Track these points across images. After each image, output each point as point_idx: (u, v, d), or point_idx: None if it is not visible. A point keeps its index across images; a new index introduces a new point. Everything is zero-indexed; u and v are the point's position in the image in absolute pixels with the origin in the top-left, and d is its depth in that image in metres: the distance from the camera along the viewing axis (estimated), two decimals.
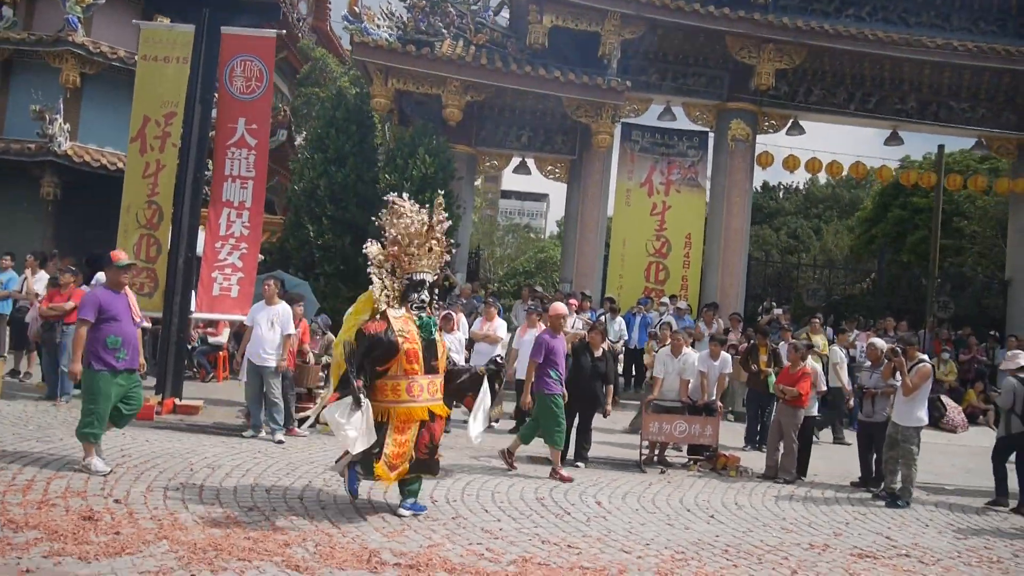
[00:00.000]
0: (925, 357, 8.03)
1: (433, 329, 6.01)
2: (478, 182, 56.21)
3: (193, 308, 10.16)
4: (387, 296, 5.90)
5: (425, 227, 5.94)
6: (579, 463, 8.33)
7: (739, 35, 14.22)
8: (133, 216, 10.03)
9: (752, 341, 11.02)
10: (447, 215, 6.28)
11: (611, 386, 8.59)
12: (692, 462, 8.88)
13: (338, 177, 13.78)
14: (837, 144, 69.79)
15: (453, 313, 10.54)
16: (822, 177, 42.31)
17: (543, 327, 8.85)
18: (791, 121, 15.54)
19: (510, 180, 56.90)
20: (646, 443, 8.69)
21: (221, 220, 10.16)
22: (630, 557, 5.29)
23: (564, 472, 7.65)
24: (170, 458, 7.06)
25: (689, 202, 15.22)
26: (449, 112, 13.81)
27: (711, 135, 15.38)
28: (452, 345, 10.08)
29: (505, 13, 15.95)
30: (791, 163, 15.11)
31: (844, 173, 15.54)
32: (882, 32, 14.48)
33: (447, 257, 6.29)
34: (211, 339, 12.54)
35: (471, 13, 15.19)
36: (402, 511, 5.78)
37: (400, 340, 5.72)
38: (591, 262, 14.52)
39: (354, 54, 13.98)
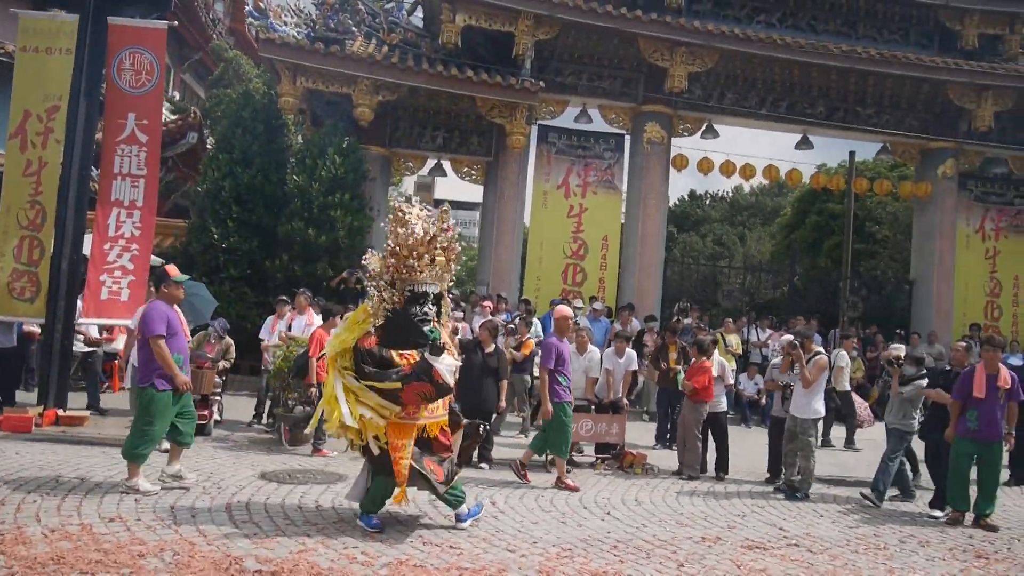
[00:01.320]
0: (821, 350, 8.10)
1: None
2: (409, 190, 55.89)
3: (79, 314, 9.62)
4: (385, 310, 5.61)
5: (428, 237, 5.64)
6: (483, 464, 8.12)
7: (652, 38, 14.33)
8: (14, 217, 9.38)
9: (663, 340, 11.03)
10: (451, 222, 5.94)
11: (504, 382, 8.38)
12: (599, 461, 8.77)
13: (244, 178, 13.32)
14: (754, 148, 71.80)
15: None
16: (746, 185, 43.40)
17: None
18: (705, 124, 15.70)
19: (443, 188, 56.61)
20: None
21: (110, 220, 9.61)
22: (513, 556, 5.10)
23: (570, 481, 7.44)
24: (38, 470, 6.60)
25: (606, 204, 15.21)
26: (360, 112, 13.51)
27: (627, 137, 15.43)
28: None
29: (419, 13, 15.76)
30: (705, 166, 15.27)
31: (757, 176, 15.72)
32: (791, 38, 14.79)
33: (453, 268, 5.93)
34: (106, 346, 11.91)
35: (383, 12, 14.94)
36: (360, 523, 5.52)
37: (396, 355, 5.48)
38: (508, 264, 14.37)
39: (260, 51, 13.56)
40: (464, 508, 5.75)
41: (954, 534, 6.81)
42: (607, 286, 14.96)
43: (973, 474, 7.39)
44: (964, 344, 8.45)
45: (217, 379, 9.38)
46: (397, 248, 5.61)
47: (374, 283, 5.73)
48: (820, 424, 8.98)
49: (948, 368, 8.19)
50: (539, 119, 15.15)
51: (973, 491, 7.32)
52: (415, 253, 5.60)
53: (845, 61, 14.69)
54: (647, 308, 14.13)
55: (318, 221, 12.97)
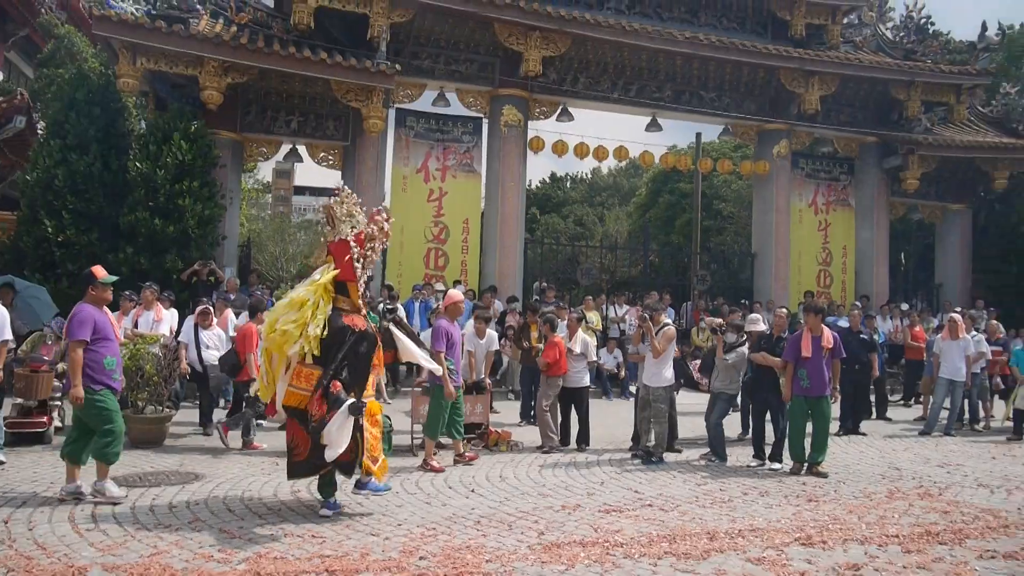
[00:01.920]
0: (669, 321, 8.56)
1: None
2: (267, 177, 53.86)
3: None
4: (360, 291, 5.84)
5: (383, 229, 5.96)
6: None
7: (507, 22, 14.48)
8: None
9: (524, 320, 11.28)
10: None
11: None
12: (464, 440, 8.89)
13: (80, 166, 12.44)
14: (609, 130, 74.32)
15: (212, 308, 9.85)
16: (604, 167, 44.77)
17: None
18: (561, 107, 16.09)
19: (303, 174, 55.06)
20: (417, 425, 8.58)
21: None
22: (377, 539, 5.13)
23: (435, 463, 7.52)
24: None
25: (465, 188, 15.32)
26: (208, 95, 12.90)
27: (485, 121, 15.57)
28: (211, 342, 9.47)
29: None
30: (560, 148, 15.66)
31: (609, 157, 16.29)
32: (638, 24, 15.36)
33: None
34: None
35: None
36: (325, 511, 5.63)
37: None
38: None
39: (95, 29, 12.64)
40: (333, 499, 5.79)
41: (790, 482, 7.42)
42: (469, 269, 15.11)
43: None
44: (784, 311, 9.18)
45: (56, 383, 8.78)
46: (373, 231, 5.86)
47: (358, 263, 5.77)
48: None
49: (770, 333, 8.86)
50: (396, 103, 15.02)
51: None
52: (377, 240, 5.91)
53: (688, 47, 15.42)
54: (509, 289, 14.39)
55: (165, 210, 12.33)
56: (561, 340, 8.93)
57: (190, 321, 9.64)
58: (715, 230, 28.56)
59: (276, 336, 5.53)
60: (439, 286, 13.55)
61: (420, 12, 14.21)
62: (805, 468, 7.92)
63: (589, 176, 48.58)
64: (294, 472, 5.80)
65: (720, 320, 9.01)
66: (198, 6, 13.50)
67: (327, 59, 13.32)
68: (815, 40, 17.09)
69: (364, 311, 5.95)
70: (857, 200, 18.19)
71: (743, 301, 16.68)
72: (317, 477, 5.81)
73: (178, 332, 9.82)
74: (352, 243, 5.72)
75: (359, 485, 5.78)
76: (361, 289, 5.89)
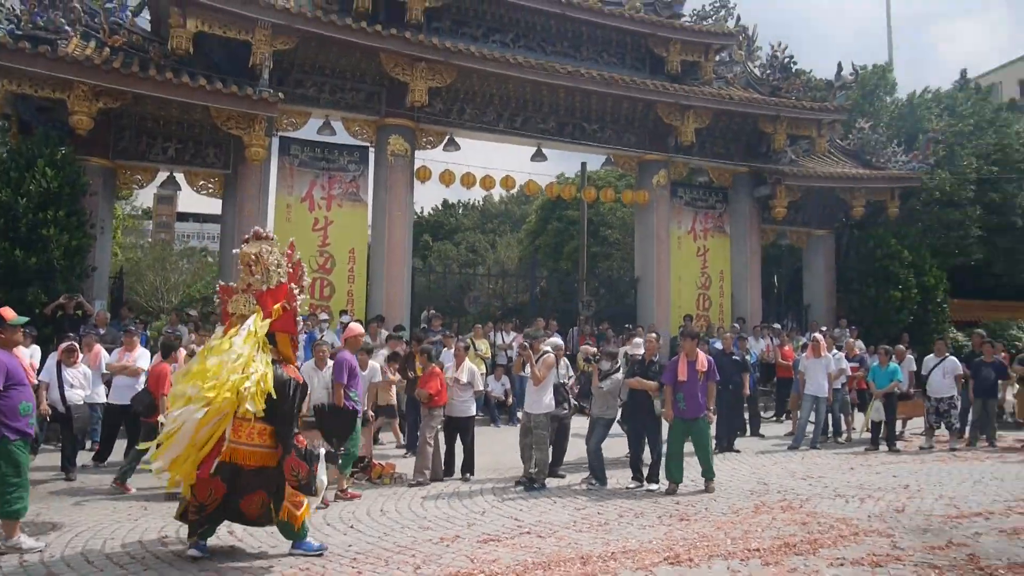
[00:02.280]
0: (548, 349, 8.77)
1: None
2: (148, 203, 51.57)
3: None
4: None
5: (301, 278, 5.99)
6: None
7: (392, 53, 14.55)
8: None
9: (409, 349, 11.27)
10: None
11: None
12: (349, 474, 8.78)
13: None
14: (496, 159, 75.54)
15: (78, 344, 9.36)
16: (496, 194, 45.38)
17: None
18: (447, 137, 16.26)
19: (188, 202, 53.09)
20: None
21: None
22: None
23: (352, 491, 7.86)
24: None
25: (352, 217, 15.19)
26: (78, 120, 12.33)
27: (371, 150, 15.53)
28: (76, 380, 9.01)
29: (148, 15, 14.73)
30: (447, 178, 15.80)
31: (496, 186, 16.54)
32: (522, 57, 15.76)
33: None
34: None
35: (104, 12, 13.76)
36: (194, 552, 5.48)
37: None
38: None
39: None
40: None
41: (665, 502, 7.72)
42: (356, 298, 14.95)
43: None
44: (654, 336, 9.59)
45: None
46: (300, 276, 5.96)
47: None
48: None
49: (642, 358, 9.20)
50: (280, 131, 14.79)
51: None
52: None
53: (570, 81, 15.92)
54: (396, 318, 14.32)
55: (27, 241, 11.65)
56: (440, 371, 8.98)
57: (53, 358, 9.14)
58: (603, 256, 29.39)
59: (230, 397, 5.29)
60: (323, 316, 13.35)
61: (304, 40, 14.10)
62: (677, 487, 8.27)
63: (481, 203, 49.05)
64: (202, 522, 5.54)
65: (594, 349, 9.33)
66: (67, 27, 12.91)
67: (206, 86, 13.00)
68: (690, 76, 17.99)
69: (295, 362, 5.90)
70: (732, 227, 19.15)
71: (627, 325, 17.20)
72: (188, 520, 5.61)
73: (40, 370, 9.28)
74: (295, 293, 5.83)
75: (295, 545, 5.68)
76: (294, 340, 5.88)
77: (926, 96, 24.31)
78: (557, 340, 10.91)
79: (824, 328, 16.51)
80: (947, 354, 12.20)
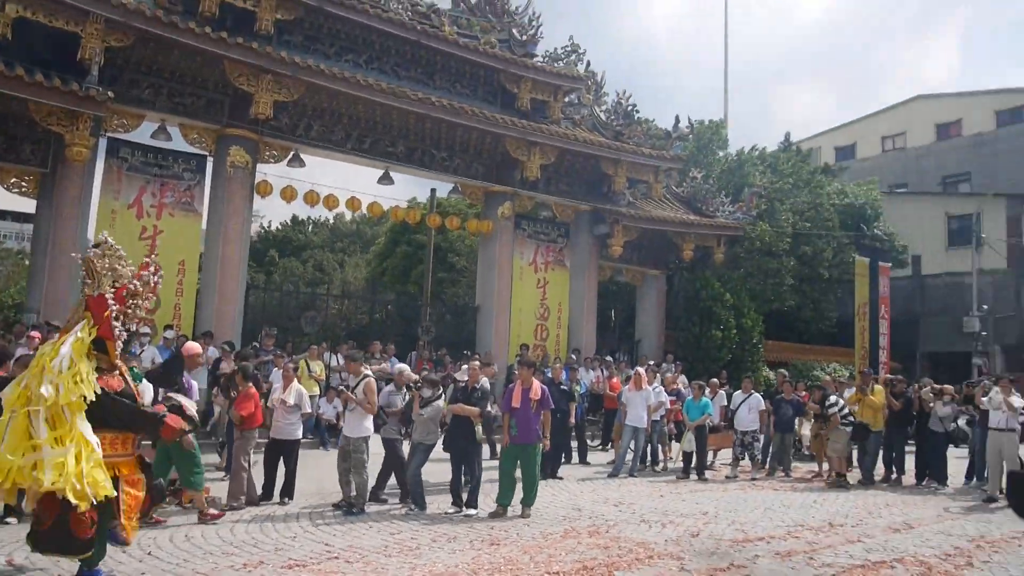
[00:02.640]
0: (369, 372, 8.77)
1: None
2: None
3: None
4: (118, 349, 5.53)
5: (153, 280, 5.75)
6: None
7: (237, 62, 14.11)
8: None
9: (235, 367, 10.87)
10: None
11: None
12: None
13: None
14: (344, 179, 75.12)
15: None
16: (348, 213, 44.70)
17: None
18: (292, 153, 15.90)
19: (3, 199, 48.61)
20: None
21: None
22: None
23: (213, 511, 7.67)
24: None
25: (184, 227, 14.50)
26: None
27: (210, 159, 14.96)
28: None
29: None
30: (289, 194, 15.48)
31: (340, 206, 16.36)
32: (374, 79, 15.75)
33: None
34: None
35: None
36: None
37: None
38: (63, 288, 12.89)
39: None
40: None
41: (480, 527, 7.86)
42: (183, 313, 14.26)
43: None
44: (477, 363, 9.84)
45: None
46: (136, 286, 5.62)
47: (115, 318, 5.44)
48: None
49: (464, 385, 9.41)
50: (109, 131, 13.95)
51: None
52: (144, 292, 5.67)
53: (421, 107, 16.07)
54: (226, 334, 13.78)
55: None
56: (256, 392, 8.77)
57: None
58: (450, 282, 29.62)
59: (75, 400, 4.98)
60: (145, 329, 12.63)
61: (141, 39, 13.44)
62: (506, 512, 8.45)
63: (332, 221, 48.20)
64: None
65: (415, 376, 9.46)
66: None
67: (25, 77, 12.06)
68: (539, 114, 18.64)
69: (123, 370, 5.61)
70: (572, 261, 19.90)
71: (466, 352, 17.42)
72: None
73: None
74: (111, 300, 5.40)
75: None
76: (119, 348, 5.57)
77: (753, 153, 26.47)
78: (402, 366, 10.92)
79: (651, 362, 17.42)
80: (751, 391, 13.22)
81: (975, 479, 12.43)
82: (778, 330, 24.74)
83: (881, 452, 12.74)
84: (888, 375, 15.70)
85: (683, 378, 17.50)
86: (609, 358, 18.58)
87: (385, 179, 17.32)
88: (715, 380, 14.68)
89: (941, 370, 28.70)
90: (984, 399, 11.49)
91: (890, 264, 24.06)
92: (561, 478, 11.64)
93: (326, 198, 16.06)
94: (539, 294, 19.40)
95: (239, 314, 14.77)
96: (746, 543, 7.52)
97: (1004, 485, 10.86)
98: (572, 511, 9.00)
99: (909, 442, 13.18)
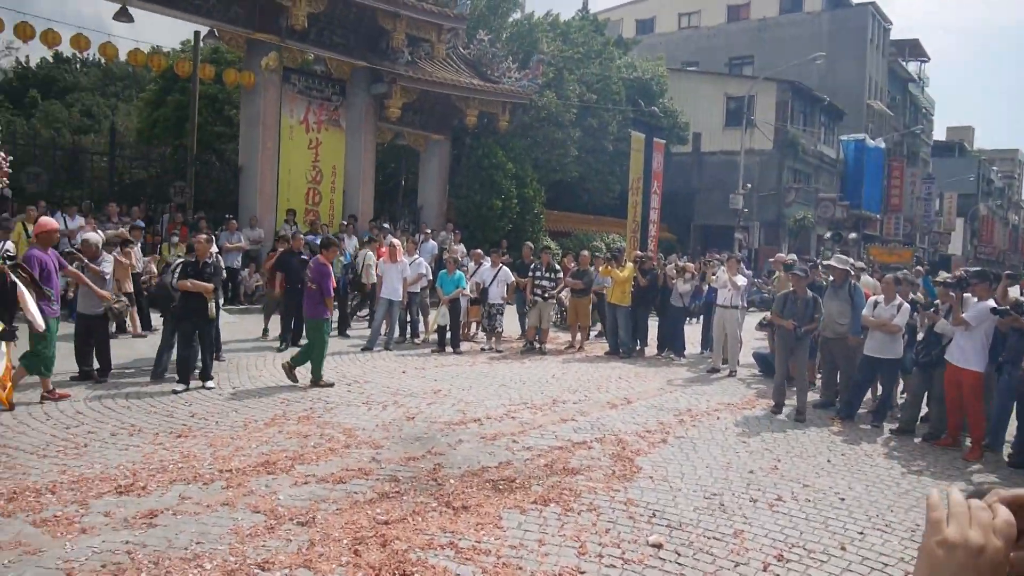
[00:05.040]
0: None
1: None
2: None
3: None
4: None
5: None
6: None
7: None
8: None
9: None
10: None
11: None
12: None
13: None
14: (72, 16, 67.52)
15: None
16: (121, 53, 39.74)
17: None
18: None
19: None
20: None
21: None
22: None
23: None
24: None
25: None
26: None
27: None
28: None
29: None
30: None
31: (63, 44, 14.04)
32: None
33: None
34: None
35: None
36: None
37: None
38: None
39: None
40: None
41: (181, 414, 7.26)
42: None
43: None
44: (204, 237, 9.03)
45: None
46: None
47: None
48: None
49: (195, 260, 8.65)
50: None
51: None
52: None
53: None
54: None
55: None
56: None
57: None
58: (229, 137, 27.25)
59: None
60: None
61: None
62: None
63: (103, 61, 42.96)
64: None
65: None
66: None
67: None
68: None
69: None
70: (348, 122, 18.74)
71: (228, 216, 16.19)
72: None
73: None
74: None
75: None
76: None
77: (545, 20, 25.84)
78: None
79: (431, 231, 17.07)
80: (500, 265, 13.23)
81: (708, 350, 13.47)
82: (562, 201, 25.24)
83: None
84: (637, 252, 16.38)
85: (461, 248, 17.40)
86: (386, 225, 18.03)
87: (122, 15, 15.00)
88: (478, 250, 14.59)
89: (711, 241, 31.04)
90: (713, 278, 12.22)
91: (664, 141, 24.92)
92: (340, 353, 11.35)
93: (44, 33, 13.68)
94: (311, 155, 18.21)
95: None
96: (459, 425, 7.51)
97: (727, 356, 11.84)
98: (297, 392, 8.61)
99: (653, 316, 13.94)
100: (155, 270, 12.40)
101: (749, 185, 28.62)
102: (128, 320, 11.62)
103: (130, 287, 11.40)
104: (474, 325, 13.98)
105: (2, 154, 5.55)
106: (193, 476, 5.48)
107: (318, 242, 14.78)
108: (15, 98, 39.32)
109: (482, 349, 12.91)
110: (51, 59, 42.33)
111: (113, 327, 10.21)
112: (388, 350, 12.17)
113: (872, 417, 8.96)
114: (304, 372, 9.14)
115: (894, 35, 44.52)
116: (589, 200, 26.60)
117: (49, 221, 7.94)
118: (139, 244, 12.67)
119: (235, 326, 12.92)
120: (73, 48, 14.29)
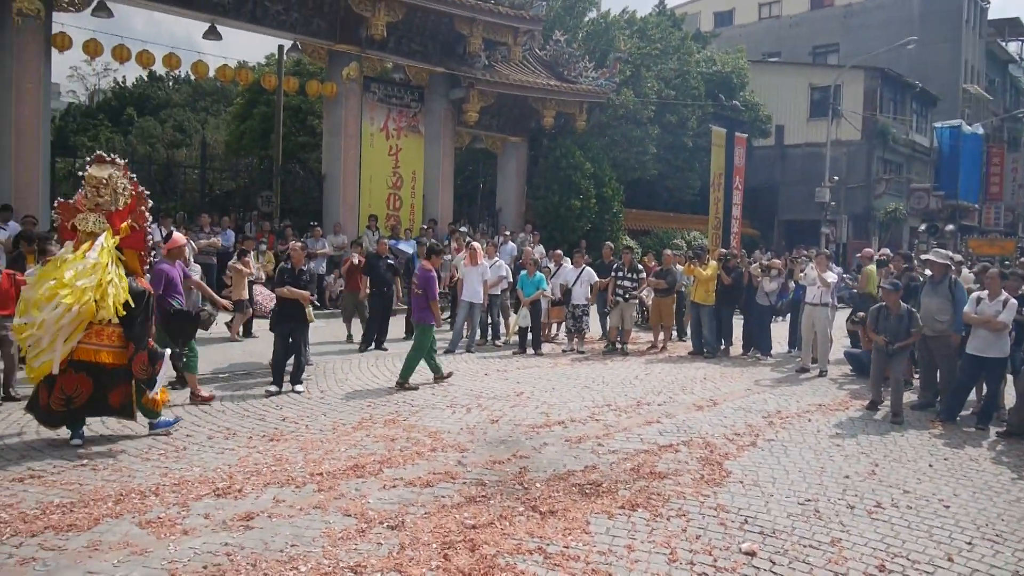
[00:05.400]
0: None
1: None
2: None
3: None
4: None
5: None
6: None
7: None
8: None
9: (17, 249, 9.81)
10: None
11: None
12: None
13: None
14: (158, 34, 70.00)
15: None
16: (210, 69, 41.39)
17: None
18: (97, 1, 14.01)
19: None
20: None
21: None
22: None
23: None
24: None
25: None
26: None
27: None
28: None
29: None
30: (92, 48, 13.73)
31: (156, 64, 14.71)
32: None
33: None
34: None
35: None
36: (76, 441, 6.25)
37: None
38: None
39: None
40: None
41: (272, 418, 7.49)
42: None
43: None
44: (299, 244, 9.31)
45: None
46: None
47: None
48: None
49: (291, 267, 8.95)
50: None
51: None
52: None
53: None
54: (29, 208, 12.44)
55: None
56: None
57: None
58: (312, 146, 28.02)
59: (89, 304, 5.95)
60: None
61: None
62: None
63: (193, 78, 44.84)
64: (68, 417, 6.22)
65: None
66: None
67: None
68: None
69: (143, 275, 6.65)
70: (427, 127, 19.00)
71: (313, 223, 16.64)
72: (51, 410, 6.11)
73: None
74: (145, 215, 6.53)
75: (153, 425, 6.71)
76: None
77: (622, 17, 25.58)
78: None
79: (509, 233, 17.13)
80: (584, 265, 13.13)
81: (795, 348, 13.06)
82: (642, 199, 24.92)
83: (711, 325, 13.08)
84: (722, 250, 16.01)
85: (540, 248, 17.40)
86: (464, 228, 18.18)
87: (212, 34, 15.63)
88: (558, 251, 14.56)
89: (796, 236, 30.09)
90: (802, 275, 11.82)
91: (747, 135, 24.32)
92: (386, 349, 11.55)
93: (140, 54, 14.35)
94: (391, 161, 18.54)
95: (43, 184, 13.34)
96: (543, 428, 7.48)
97: (816, 356, 11.45)
98: (382, 395, 8.75)
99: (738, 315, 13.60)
100: (263, 276, 13.10)
101: (836, 177, 27.63)
102: (229, 326, 12.25)
103: (245, 294, 12.00)
104: (554, 326, 13.96)
105: (141, 188, 6.09)
106: (286, 479, 5.63)
107: (400, 247, 15.09)
108: (113, 116, 41.50)
109: (564, 351, 12.86)
110: (146, 78, 44.43)
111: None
112: (470, 352, 12.26)
113: (977, 419, 8.49)
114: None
115: (992, 14, 42.26)
116: (669, 197, 26.21)
117: (180, 237, 8.40)
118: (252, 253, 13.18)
119: (322, 330, 13.24)
120: (165, 67, 14.96)
